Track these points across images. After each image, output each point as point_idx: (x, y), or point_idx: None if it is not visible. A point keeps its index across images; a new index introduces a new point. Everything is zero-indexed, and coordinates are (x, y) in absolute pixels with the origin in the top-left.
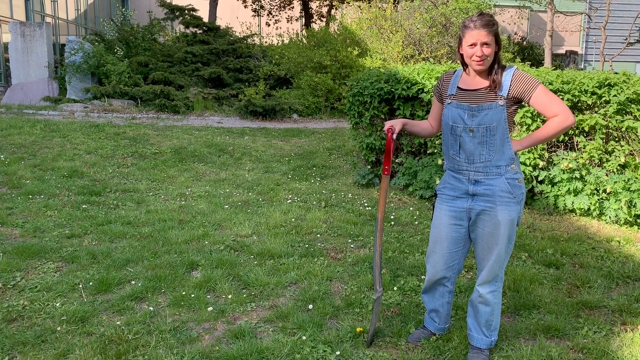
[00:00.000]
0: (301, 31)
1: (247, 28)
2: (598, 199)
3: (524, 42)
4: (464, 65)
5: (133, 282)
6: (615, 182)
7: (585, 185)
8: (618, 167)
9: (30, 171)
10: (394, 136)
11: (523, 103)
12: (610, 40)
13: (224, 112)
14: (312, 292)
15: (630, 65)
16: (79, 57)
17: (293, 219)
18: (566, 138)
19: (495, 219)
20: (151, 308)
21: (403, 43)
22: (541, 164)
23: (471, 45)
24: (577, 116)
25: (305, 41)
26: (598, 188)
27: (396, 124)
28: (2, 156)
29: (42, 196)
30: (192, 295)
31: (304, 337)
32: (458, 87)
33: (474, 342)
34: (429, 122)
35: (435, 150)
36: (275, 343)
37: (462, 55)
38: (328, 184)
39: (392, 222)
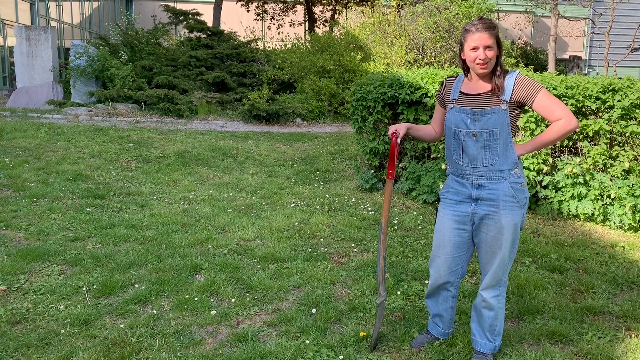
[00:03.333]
0: (305, 36)
1: (251, 32)
2: (602, 204)
3: (528, 47)
4: (466, 70)
5: (136, 286)
6: (620, 187)
7: (589, 191)
8: (622, 173)
9: (35, 174)
10: (398, 140)
11: (526, 107)
12: (615, 45)
13: (228, 116)
14: (316, 296)
15: (634, 70)
16: (84, 61)
17: (296, 223)
18: (570, 143)
19: (499, 224)
20: (154, 311)
21: (406, 48)
22: (545, 169)
23: (473, 48)
24: (581, 121)
25: (308, 45)
26: (602, 193)
27: (400, 128)
28: (6, 159)
29: (47, 199)
30: (196, 299)
31: (307, 341)
32: (460, 92)
33: (477, 347)
34: (432, 126)
35: (439, 155)
36: (278, 347)
37: (464, 60)
38: (331, 188)
39: (396, 227)
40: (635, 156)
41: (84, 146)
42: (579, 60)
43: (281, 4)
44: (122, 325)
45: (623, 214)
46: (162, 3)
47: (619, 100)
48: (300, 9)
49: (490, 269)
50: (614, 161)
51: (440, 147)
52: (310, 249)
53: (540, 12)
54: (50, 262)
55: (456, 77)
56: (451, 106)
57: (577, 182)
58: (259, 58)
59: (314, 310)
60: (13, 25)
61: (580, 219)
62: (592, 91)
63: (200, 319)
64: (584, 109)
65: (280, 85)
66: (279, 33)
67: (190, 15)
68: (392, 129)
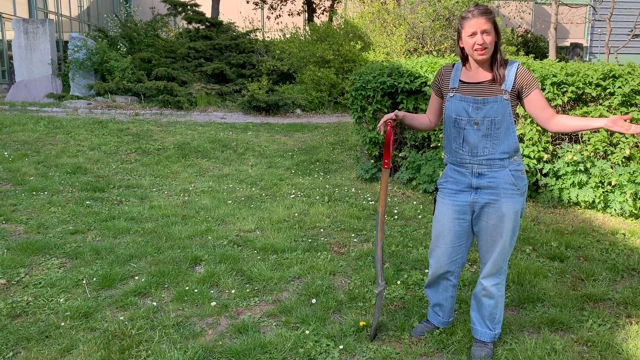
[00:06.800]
0: (304, 26)
1: (250, 23)
2: (603, 192)
3: (529, 35)
4: (464, 59)
5: (136, 278)
6: (620, 174)
7: (590, 178)
8: (623, 160)
9: (34, 168)
10: (388, 122)
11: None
12: (616, 32)
13: (227, 108)
14: (316, 287)
15: (635, 57)
16: (82, 54)
17: (296, 214)
18: None
19: (500, 212)
20: (154, 303)
21: (406, 36)
22: (545, 156)
23: (471, 34)
24: (581, 108)
25: (307, 36)
26: (603, 181)
27: (390, 113)
28: (6, 153)
29: (46, 193)
30: (196, 291)
31: (307, 332)
32: (460, 81)
33: (477, 336)
34: (427, 116)
35: (439, 144)
36: (278, 337)
37: (462, 48)
38: (331, 178)
39: (396, 216)
40: (636, 143)
41: (84, 139)
42: (580, 48)
43: None
44: (122, 318)
45: (624, 201)
46: None
47: (619, 87)
48: None
49: (490, 258)
50: (615, 148)
51: (440, 136)
52: (310, 240)
53: (541, 0)
54: (50, 255)
55: (453, 65)
56: (451, 95)
57: (578, 169)
58: (258, 49)
59: (314, 301)
60: (11, 18)
61: (580, 207)
62: (592, 78)
63: (200, 311)
64: (584, 96)
65: (280, 76)
66: (277, 23)
67: (189, 7)
68: (386, 117)
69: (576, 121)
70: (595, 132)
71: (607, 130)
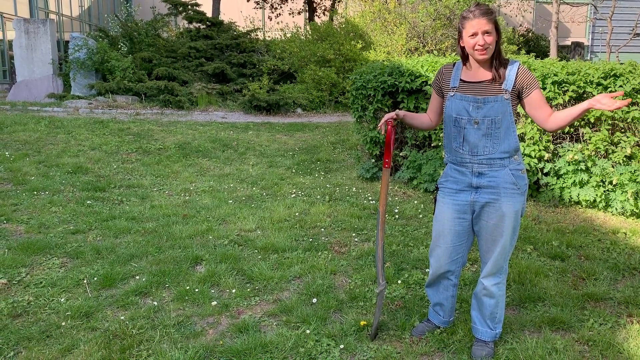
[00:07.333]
0: (304, 25)
1: (251, 22)
2: (604, 191)
3: (530, 34)
4: (465, 59)
5: (137, 277)
6: (622, 173)
7: (591, 177)
8: (624, 159)
9: (35, 167)
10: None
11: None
12: (617, 31)
13: (228, 107)
14: (316, 286)
15: (637, 56)
16: (83, 54)
17: (297, 213)
18: (572, 129)
19: (500, 211)
20: (155, 303)
21: (407, 36)
22: (546, 155)
23: (472, 35)
24: None
25: (308, 35)
26: (604, 180)
27: (391, 112)
28: (7, 153)
29: (47, 192)
30: (196, 290)
31: (308, 331)
32: (461, 80)
33: (478, 335)
34: (428, 115)
35: (440, 143)
36: (279, 337)
37: (462, 48)
38: (332, 178)
39: (397, 216)
40: (637, 142)
41: (84, 139)
42: (581, 47)
43: None
44: (122, 317)
45: (625, 200)
46: None
47: (620, 86)
48: None
49: (491, 257)
50: (616, 147)
51: (441, 135)
52: (311, 239)
53: None
54: (51, 255)
55: (454, 65)
56: (452, 94)
57: (579, 168)
58: (259, 48)
59: (314, 300)
60: (12, 18)
61: (581, 206)
62: (593, 77)
63: (201, 310)
64: (585, 95)
65: (281, 76)
66: (278, 23)
67: (189, 6)
68: (386, 116)
69: (565, 112)
70: (596, 131)
71: (607, 129)
